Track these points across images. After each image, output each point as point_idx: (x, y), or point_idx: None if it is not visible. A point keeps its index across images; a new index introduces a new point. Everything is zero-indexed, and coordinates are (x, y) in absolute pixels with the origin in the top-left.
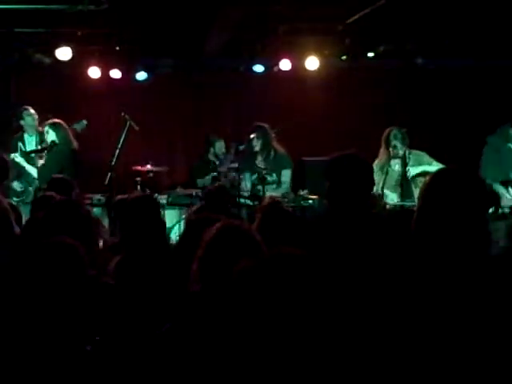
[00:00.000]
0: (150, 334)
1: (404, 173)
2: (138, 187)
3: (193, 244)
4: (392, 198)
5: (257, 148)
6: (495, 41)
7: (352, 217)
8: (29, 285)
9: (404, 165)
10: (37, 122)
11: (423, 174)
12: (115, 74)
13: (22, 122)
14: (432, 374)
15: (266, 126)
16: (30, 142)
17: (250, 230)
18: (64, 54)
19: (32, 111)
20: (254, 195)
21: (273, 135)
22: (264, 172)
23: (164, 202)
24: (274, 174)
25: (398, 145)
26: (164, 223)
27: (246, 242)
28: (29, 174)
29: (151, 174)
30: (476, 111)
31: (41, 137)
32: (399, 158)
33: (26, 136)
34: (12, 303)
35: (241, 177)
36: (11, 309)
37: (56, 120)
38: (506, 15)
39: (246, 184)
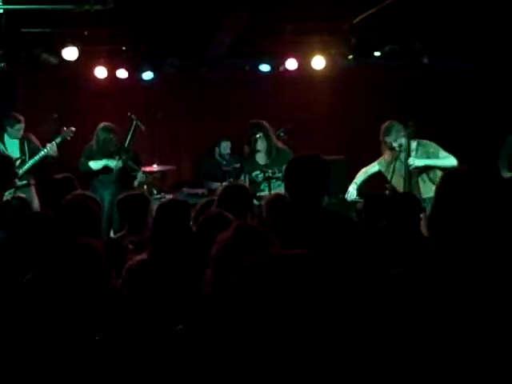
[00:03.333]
0: (162, 334)
1: (406, 165)
2: (145, 187)
3: (205, 243)
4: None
5: (260, 147)
6: (502, 41)
7: (306, 211)
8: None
9: (406, 157)
10: (22, 130)
11: (426, 168)
12: (122, 73)
13: (8, 129)
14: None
15: (266, 124)
16: (12, 147)
17: (265, 232)
18: (70, 53)
19: (22, 123)
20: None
21: (273, 132)
22: (270, 171)
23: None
24: (275, 168)
25: (391, 139)
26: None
27: (262, 245)
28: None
29: (157, 174)
30: (483, 111)
31: (21, 144)
32: (404, 151)
33: (6, 138)
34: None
35: (242, 178)
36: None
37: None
38: (510, 15)
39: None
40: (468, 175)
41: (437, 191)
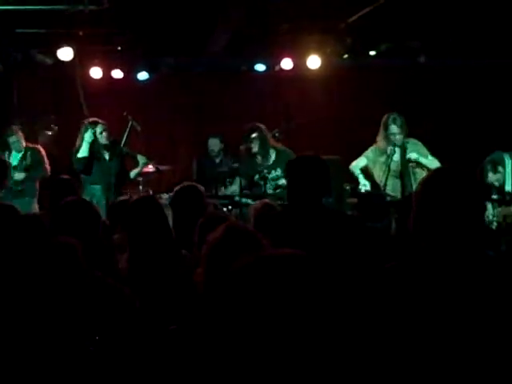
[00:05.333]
0: (155, 334)
1: (403, 162)
2: (141, 187)
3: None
4: (394, 193)
5: (255, 149)
6: (497, 39)
7: (306, 212)
8: (29, 284)
9: (403, 153)
10: (22, 141)
11: (419, 164)
12: (117, 74)
13: (9, 140)
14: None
15: (263, 126)
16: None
17: (255, 232)
18: (66, 54)
19: (19, 133)
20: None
21: (269, 135)
22: (265, 171)
23: (167, 201)
24: (279, 169)
25: (396, 130)
26: (167, 224)
27: (252, 245)
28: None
29: (154, 174)
30: (479, 110)
31: (24, 155)
32: (398, 146)
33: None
34: (13, 302)
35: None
36: (12, 307)
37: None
38: (508, 14)
39: (233, 187)
40: (456, 172)
41: (424, 187)
